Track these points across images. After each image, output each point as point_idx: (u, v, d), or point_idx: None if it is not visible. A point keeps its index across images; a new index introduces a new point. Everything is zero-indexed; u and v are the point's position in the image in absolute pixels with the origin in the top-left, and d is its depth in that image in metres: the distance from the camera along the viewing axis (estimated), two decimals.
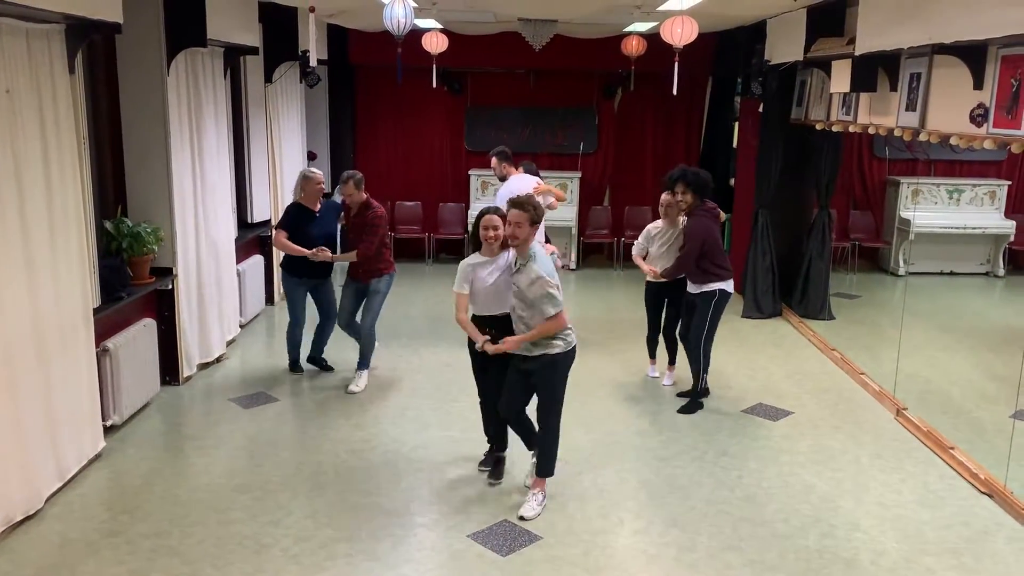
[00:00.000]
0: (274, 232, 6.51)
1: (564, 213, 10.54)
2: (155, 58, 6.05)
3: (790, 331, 8.51)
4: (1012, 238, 10.83)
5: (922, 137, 5.84)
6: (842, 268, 10.88)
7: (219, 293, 7.18)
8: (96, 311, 5.26)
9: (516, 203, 4.60)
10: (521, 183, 7.11)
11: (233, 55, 7.45)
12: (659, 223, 6.53)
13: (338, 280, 6.83)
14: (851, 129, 7.26)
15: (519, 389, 4.80)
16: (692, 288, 6.22)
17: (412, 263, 11.09)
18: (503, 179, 7.55)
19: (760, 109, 9.06)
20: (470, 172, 11.42)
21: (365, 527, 4.55)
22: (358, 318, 6.73)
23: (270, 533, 4.47)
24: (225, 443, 5.62)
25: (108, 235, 5.81)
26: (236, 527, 4.52)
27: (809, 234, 8.88)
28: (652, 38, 8.92)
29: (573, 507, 4.83)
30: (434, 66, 8.75)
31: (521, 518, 4.65)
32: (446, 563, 4.27)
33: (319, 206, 6.61)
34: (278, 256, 9.02)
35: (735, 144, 10.74)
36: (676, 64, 6.96)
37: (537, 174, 7.81)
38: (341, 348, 7.11)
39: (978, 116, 5.19)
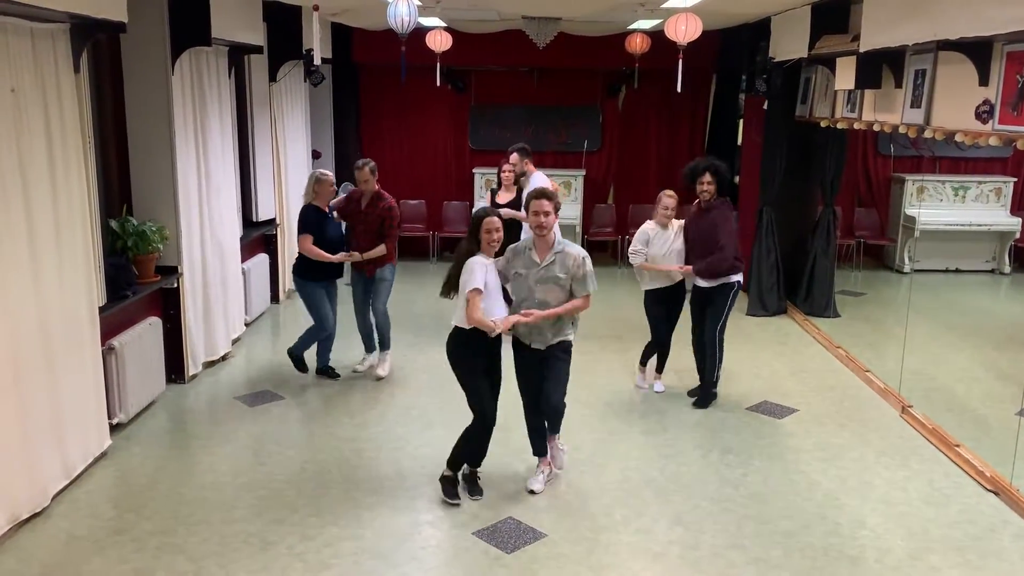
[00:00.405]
0: (299, 238, 6.38)
1: (568, 211, 10.53)
2: (160, 57, 6.06)
3: (795, 329, 8.50)
4: (1018, 235, 10.80)
5: (927, 134, 5.83)
6: (847, 265, 10.85)
7: (224, 291, 7.19)
8: (102, 310, 5.28)
9: (543, 193, 4.88)
10: (547, 182, 7.34)
11: (237, 54, 7.46)
12: (652, 224, 6.27)
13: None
14: (856, 126, 7.24)
15: (538, 376, 4.94)
16: (706, 283, 6.19)
17: (416, 261, 11.10)
18: (521, 175, 7.57)
19: (764, 107, 9.04)
20: (474, 170, 11.43)
21: (370, 525, 4.56)
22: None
23: (275, 531, 4.48)
24: (230, 441, 5.63)
25: (113, 234, 5.82)
26: (241, 525, 4.53)
27: (814, 232, 8.87)
28: (656, 36, 8.93)
29: (577, 505, 4.83)
30: (438, 64, 8.76)
31: (531, 491, 4.92)
32: (451, 560, 4.27)
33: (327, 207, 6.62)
34: (284, 257, 9.06)
35: (739, 142, 10.73)
36: (680, 62, 6.96)
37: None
38: (339, 349, 7.12)
39: (983, 113, 5.18)
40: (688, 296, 6.44)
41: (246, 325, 7.92)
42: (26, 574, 4.07)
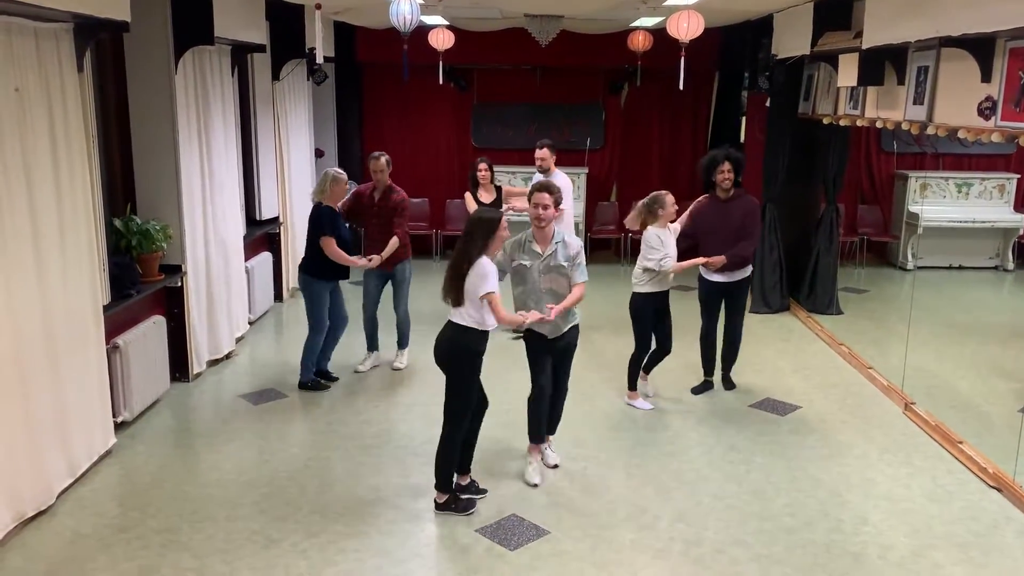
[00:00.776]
0: (323, 240, 6.26)
1: (572, 209, 10.50)
2: (163, 56, 6.07)
3: (798, 326, 8.50)
4: (1021, 232, 10.79)
5: (930, 131, 5.83)
6: (850, 263, 10.85)
7: (228, 290, 7.21)
8: (106, 308, 5.29)
9: (546, 187, 4.96)
10: (567, 180, 7.57)
11: (240, 53, 7.47)
12: (658, 229, 6.00)
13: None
14: (858, 123, 7.23)
15: (549, 365, 5.08)
16: (724, 277, 6.24)
17: (419, 259, 11.06)
18: (545, 172, 7.59)
19: (767, 104, 9.04)
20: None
21: (374, 522, 4.57)
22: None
23: (279, 528, 4.49)
24: (234, 439, 5.65)
25: (117, 233, 5.84)
26: (245, 522, 4.55)
27: (817, 229, 8.86)
28: (659, 33, 8.92)
29: (580, 502, 4.84)
30: (440, 63, 8.77)
31: (534, 485, 5.00)
32: (455, 557, 4.29)
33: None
34: (287, 255, 9.08)
35: (742, 139, 10.72)
36: (682, 59, 6.96)
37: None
38: (338, 350, 7.09)
39: (986, 109, 5.17)
40: (695, 292, 6.52)
41: (250, 324, 7.93)
42: (32, 572, 4.09)
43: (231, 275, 7.28)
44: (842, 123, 7.65)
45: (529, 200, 5.04)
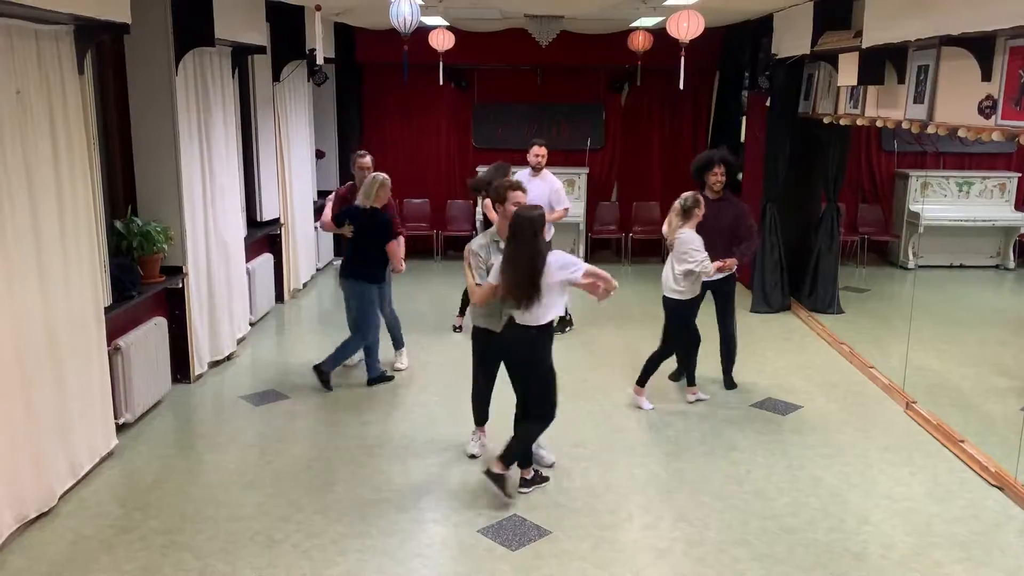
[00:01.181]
0: (392, 244, 6.46)
1: (572, 209, 10.51)
2: (163, 58, 6.08)
3: (799, 325, 8.50)
4: (1022, 230, 10.78)
5: (930, 130, 5.83)
6: (851, 262, 10.84)
7: (229, 291, 7.21)
8: (107, 310, 5.30)
9: (519, 185, 5.06)
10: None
11: (241, 54, 7.48)
12: (691, 229, 5.90)
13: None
14: (859, 122, 7.23)
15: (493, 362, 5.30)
16: (717, 275, 6.20)
17: (420, 260, 11.10)
18: (538, 169, 7.60)
19: (767, 103, 9.04)
20: (478, 169, 11.42)
21: (376, 523, 4.57)
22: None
23: (281, 529, 4.50)
24: (236, 440, 5.65)
25: (118, 234, 5.84)
26: (247, 523, 4.55)
27: (818, 228, 8.86)
28: (659, 33, 8.92)
29: (582, 502, 4.84)
30: (440, 63, 8.78)
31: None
32: (456, 557, 4.29)
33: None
34: (288, 257, 9.08)
35: (743, 139, 10.73)
36: (683, 59, 6.96)
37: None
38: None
39: (986, 108, 5.18)
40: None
41: (251, 325, 7.93)
42: (34, 573, 4.09)
43: (232, 276, 7.29)
44: (842, 122, 7.65)
45: (504, 201, 4.97)
